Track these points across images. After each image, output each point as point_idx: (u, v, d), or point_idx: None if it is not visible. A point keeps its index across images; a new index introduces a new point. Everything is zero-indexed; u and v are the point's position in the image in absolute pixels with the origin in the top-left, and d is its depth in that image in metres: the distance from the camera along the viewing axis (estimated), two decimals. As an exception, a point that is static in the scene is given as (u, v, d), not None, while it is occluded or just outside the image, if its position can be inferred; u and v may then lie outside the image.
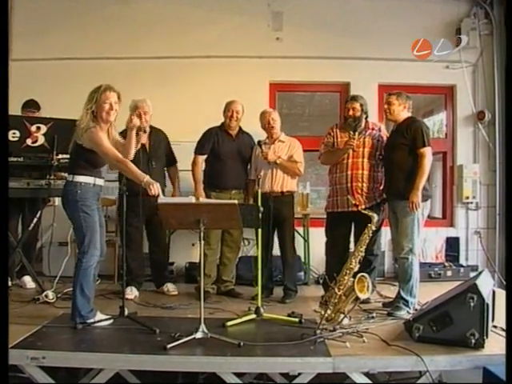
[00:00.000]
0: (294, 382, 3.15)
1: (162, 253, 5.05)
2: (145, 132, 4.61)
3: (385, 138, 4.67)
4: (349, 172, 4.57)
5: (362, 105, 4.63)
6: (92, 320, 3.70)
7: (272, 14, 6.20)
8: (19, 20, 5.79)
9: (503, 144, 6.05)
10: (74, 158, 3.74)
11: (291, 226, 4.90)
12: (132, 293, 4.71)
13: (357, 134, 4.52)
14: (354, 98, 4.69)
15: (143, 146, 4.65)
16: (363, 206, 4.41)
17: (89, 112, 3.65)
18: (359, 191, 4.53)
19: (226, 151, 4.88)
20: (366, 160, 4.58)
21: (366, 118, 4.70)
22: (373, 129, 4.69)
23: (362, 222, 4.16)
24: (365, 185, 4.55)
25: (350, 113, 4.62)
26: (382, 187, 4.65)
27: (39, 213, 4.73)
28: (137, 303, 4.53)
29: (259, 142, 4.78)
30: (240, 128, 5.01)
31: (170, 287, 4.95)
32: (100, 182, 3.81)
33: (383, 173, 4.64)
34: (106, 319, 3.78)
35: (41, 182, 4.50)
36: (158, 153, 4.87)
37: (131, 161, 3.79)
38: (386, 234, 5.23)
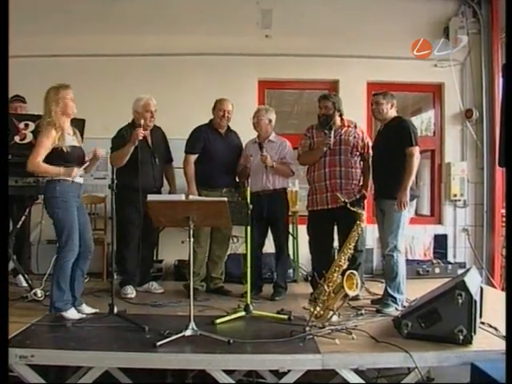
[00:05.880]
0: (284, 378, 3.15)
1: (149, 250, 4.99)
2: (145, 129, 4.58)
3: (361, 135, 4.69)
4: (326, 170, 4.58)
5: (334, 103, 4.63)
6: (66, 314, 3.77)
7: (261, 11, 6.19)
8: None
9: (491, 142, 6.10)
10: (48, 160, 3.76)
11: (285, 223, 4.92)
12: (132, 292, 4.66)
13: (332, 132, 4.54)
14: (325, 97, 4.72)
15: (146, 142, 4.65)
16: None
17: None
18: (337, 188, 4.53)
19: (217, 150, 4.84)
20: (342, 157, 4.59)
21: (341, 115, 4.69)
22: (348, 126, 4.70)
23: (344, 219, 4.22)
24: (343, 181, 4.57)
25: (322, 111, 4.65)
26: (361, 183, 4.68)
27: (27, 210, 4.71)
28: (126, 301, 4.50)
29: (260, 143, 4.73)
30: (228, 126, 4.98)
31: (155, 285, 4.90)
32: (79, 179, 3.85)
33: (361, 169, 4.69)
34: (91, 313, 3.90)
35: (29, 179, 4.46)
36: (159, 150, 4.82)
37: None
38: (374, 231, 5.26)
